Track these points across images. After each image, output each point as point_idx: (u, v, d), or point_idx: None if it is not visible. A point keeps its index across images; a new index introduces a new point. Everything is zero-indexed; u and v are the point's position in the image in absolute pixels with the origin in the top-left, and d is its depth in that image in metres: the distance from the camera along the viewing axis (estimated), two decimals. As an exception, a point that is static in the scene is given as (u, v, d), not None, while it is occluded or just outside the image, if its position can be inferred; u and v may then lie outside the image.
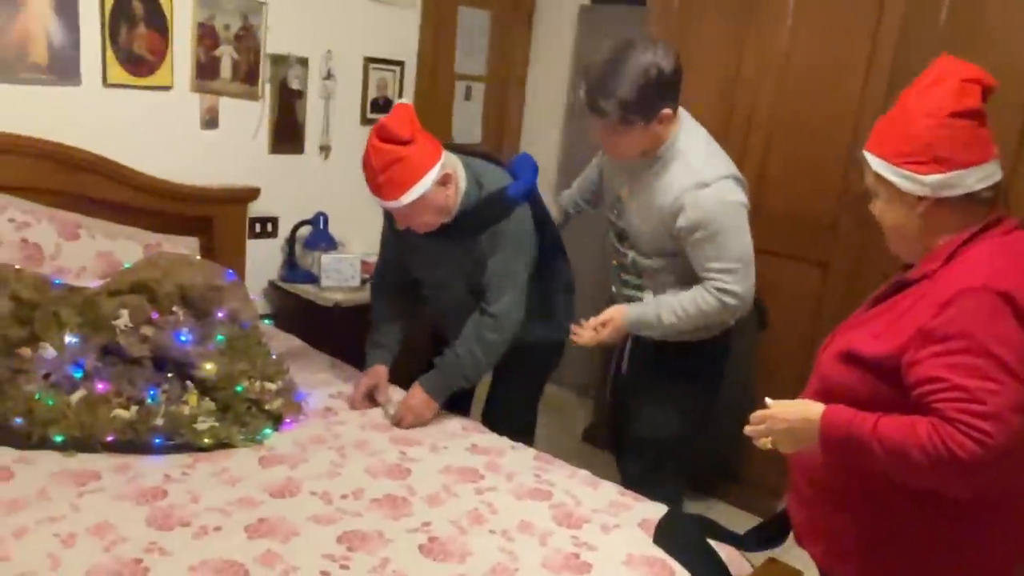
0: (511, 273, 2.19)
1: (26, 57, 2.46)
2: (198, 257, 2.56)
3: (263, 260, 3.23)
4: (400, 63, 3.53)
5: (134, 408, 2.01)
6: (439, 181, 2.04)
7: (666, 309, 2.10)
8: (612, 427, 2.53)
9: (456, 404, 2.43)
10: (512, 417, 2.43)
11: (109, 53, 2.62)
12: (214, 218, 2.96)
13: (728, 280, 2.03)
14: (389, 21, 3.43)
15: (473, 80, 4.02)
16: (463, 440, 2.15)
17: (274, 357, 2.41)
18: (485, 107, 4.13)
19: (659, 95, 1.94)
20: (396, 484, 1.88)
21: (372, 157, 1.99)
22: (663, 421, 2.30)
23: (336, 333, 3.05)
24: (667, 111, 1.98)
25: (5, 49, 2.42)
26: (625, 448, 2.45)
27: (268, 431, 2.07)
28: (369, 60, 3.40)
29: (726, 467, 3.18)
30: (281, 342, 2.73)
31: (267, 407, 2.11)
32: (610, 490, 1.97)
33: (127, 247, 2.61)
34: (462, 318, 2.28)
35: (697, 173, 2.01)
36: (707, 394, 2.36)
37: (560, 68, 4.07)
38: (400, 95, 3.57)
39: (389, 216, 2.26)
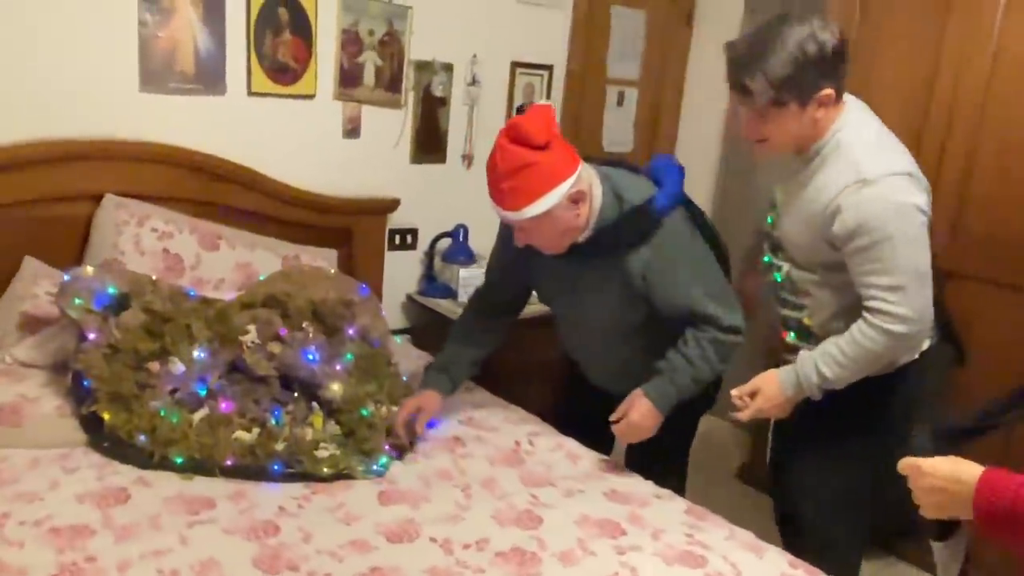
0: (699, 295, 1.87)
1: (174, 66, 2.46)
2: (333, 270, 2.46)
3: (402, 273, 3.12)
4: (548, 67, 3.34)
5: (256, 431, 1.91)
6: (571, 198, 1.78)
7: (825, 359, 1.75)
8: (773, 478, 2.20)
9: (595, 436, 2.20)
10: (661, 461, 2.12)
11: (254, 61, 2.58)
12: (353, 229, 2.88)
13: (892, 300, 1.67)
14: (537, 23, 3.25)
15: (626, 85, 3.77)
16: (601, 483, 1.91)
17: (404, 379, 2.27)
18: (638, 114, 3.88)
19: (817, 72, 1.65)
20: (525, 535, 1.66)
21: (498, 159, 1.75)
22: (829, 475, 1.96)
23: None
24: (827, 91, 1.67)
25: (154, 59, 2.43)
26: (788, 506, 2.10)
27: (386, 459, 1.91)
28: (516, 64, 3.23)
29: (910, 521, 2.75)
30: (413, 360, 2.60)
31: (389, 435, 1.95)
32: (778, 559, 1.66)
33: (265, 258, 2.56)
34: (605, 360, 2.05)
35: (860, 168, 1.68)
36: (884, 440, 1.94)
37: (722, 72, 3.74)
38: (548, 100, 3.38)
39: (506, 230, 2.02)
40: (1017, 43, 2.47)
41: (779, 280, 1.92)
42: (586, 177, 1.83)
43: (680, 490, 2.05)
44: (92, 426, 1.87)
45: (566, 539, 1.66)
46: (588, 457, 2.04)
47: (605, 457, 2.07)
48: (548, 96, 3.38)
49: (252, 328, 2.06)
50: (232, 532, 1.58)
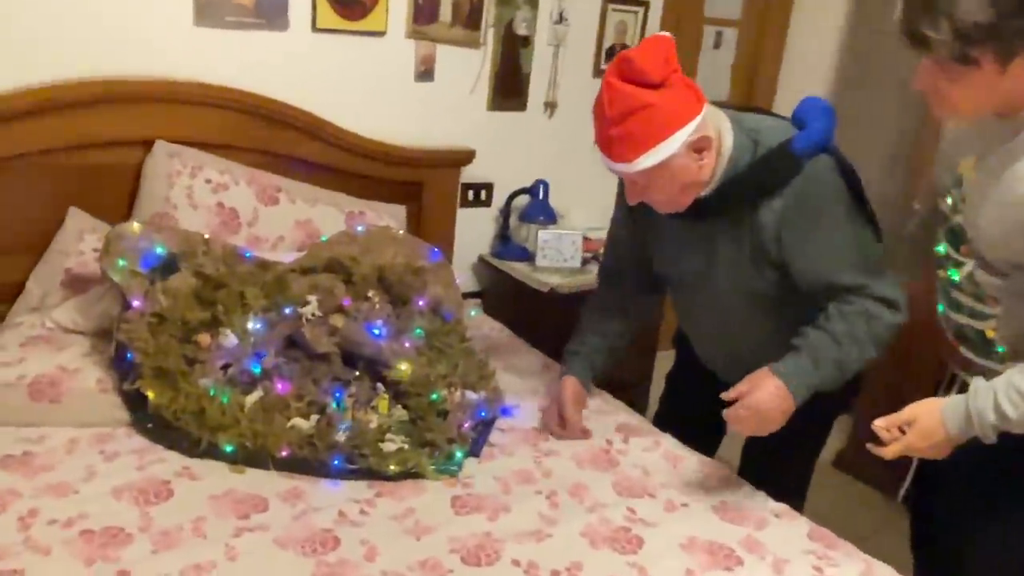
0: (846, 261, 1.54)
1: (231, -3, 2.20)
2: (401, 232, 2.21)
3: (475, 232, 2.86)
4: (644, 4, 2.99)
5: (314, 417, 1.69)
6: (693, 145, 1.48)
7: (1009, 394, 1.32)
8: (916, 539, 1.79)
9: (700, 431, 1.93)
10: (782, 474, 1.82)
11: (320, -8, 2.31)
12: (424, 183, 2.62)
13: None
14: (634, -47, 2.89)
15: (725, 25, 3.40)
16: (708, 495, 1.64)
17: (480, 357, 2.03)
18: (736, 58, 3.50)
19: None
20: (623, 561, 1.41)
21: (606, 100, 1.45)
22: (1016, 548, 1.50)
23: (551, 322, 2.62)
24: None
25: (210, -11, 2.17)
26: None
27: (460, 455, 1.67)
28: (609, 0, 2.88)
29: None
30: (486, 333, 2.35)
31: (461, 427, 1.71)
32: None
33: (328, 215, 2.32)
34: (728, 341, 1.75)
35: None
36: None
37: (833, 16, 3.33)
38: (642, 40, 3.03)
39: (623, 186, 1.73)
40: None
41: (956, 279, 1.50)
42: (712, 121, 1.51)
43: (800, 507, 1.77)
44: (135, 404, 1.68)
45: (671, 568, 1.40)
46: (690, 459, 1.77)
47: (711, 459, 1.80)
48: (642, 36, 3.03)
49: (313, 298, 1.83)
50: (285, 544, 1.36)
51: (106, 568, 1.26)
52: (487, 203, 2.87)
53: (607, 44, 2.94)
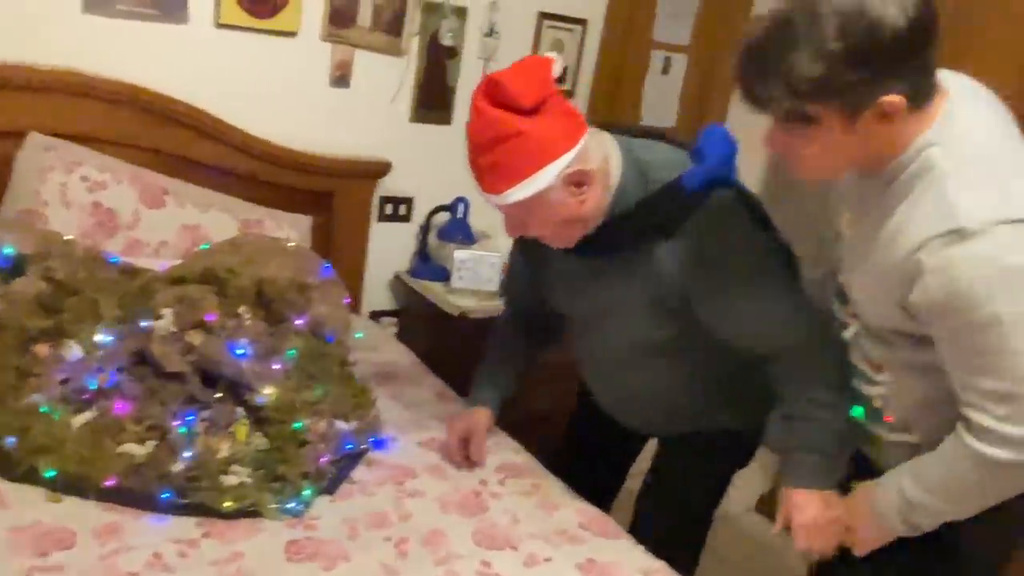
0: (767, 307, 1.40)
1: (125, -15, 2.06)
2: (292, 243, 2.07)
3: (392, 247, 2.72)
4: (582, 21, 2.88)
5: (151, 443, 1.54)
6: (569, 179, 1.34)
7: (911, 478, 1.26)
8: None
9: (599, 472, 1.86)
10: (676, 532, 1.72)
11: (224, -14, 2.18)
12: (335, 194, 2.48)
13: (999, 414, 1.13)
14: (574, -32, 2.79)
15: (674, 51, 3.29)
16: (577, 549, 1.51)
17: (360, 381, 1.89)
18: (685, 86, 3.39)
19: (871, 70, 1.07)
20: (460, 624, 1.27)
21: (473, 127, 1.34)
22: None
23: (461, 347, 2.49)
24: (893, 98, 1.08)
25: (101, -26, 2.03)
26: None
27: (309, 492, 1.52)
28: (544, 15, 2.77)
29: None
30: (386, 357, 2.21)
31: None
32: None
33: (220, 221, 2.18)
34: (625, 387, 1.63)
35: (956, 210, 1.09)
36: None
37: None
38: (580, 61, 2.93)
39: None
40: None
41: (847, 340, 1.38)
42: (598, 151, 1.38)
43: (696, 556, 1.69)
44: (-44, 419, 1.52)
45: (514, 634, 1.27)
46: (569, 507, 1.64)
47: (591, 507, 1.66)
48: (581, 55, 2.92)
49: (167, 312, 1.68)
50: (77, 590, 1.21)
51: None
52: (407, 218, 2.74)
53: (542, 61, 2.82)
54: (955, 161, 1.13)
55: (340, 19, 2.38)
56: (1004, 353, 1.10)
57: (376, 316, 2.74)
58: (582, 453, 1.92)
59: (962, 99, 1.18)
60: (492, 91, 1.31)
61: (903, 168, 1.17)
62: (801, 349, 1.40)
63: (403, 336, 2.69)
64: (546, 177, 1.33)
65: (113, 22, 2.07)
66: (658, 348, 1.52)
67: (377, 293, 2.75)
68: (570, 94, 2.93)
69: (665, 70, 3.33)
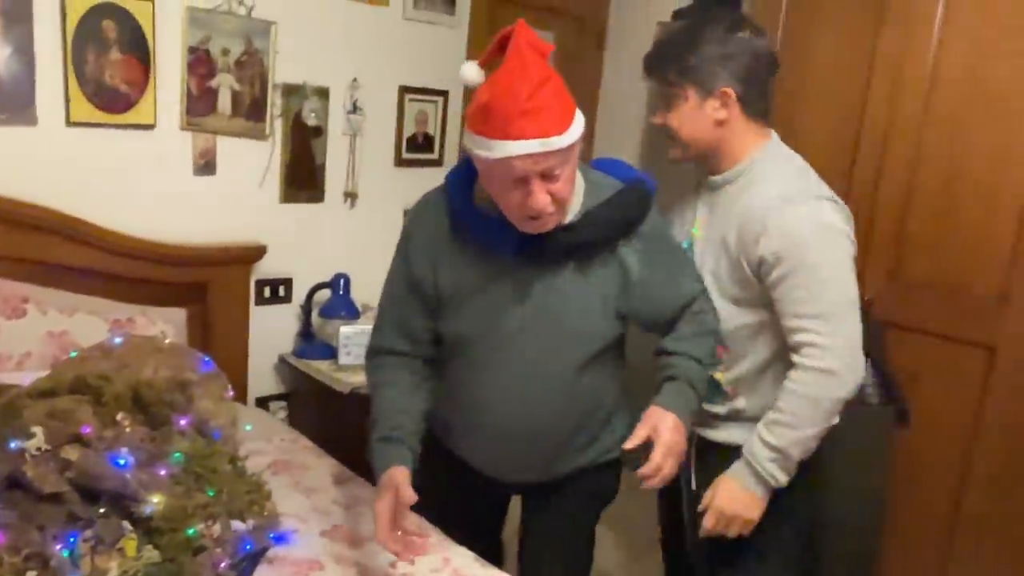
0: (681, 266, 1.64)
1: (-36, 91, 1.98)
2: (168, 340, 2.01)
3: (274, 330, 2.68)
4: (443, 93, 2.96)
5: (31, 574, 1.44)
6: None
7: (768, 427, 1.59)
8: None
9: (479, 532, 1.83)
10: (564, 562, 1.79)
11: (73, 85, 2.12)
12: (209, 283, 2.43)
13: (822, 332, 1.53)
14: (429, 43, 2.88)
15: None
16: (494, 619, 1.51)
17: (254, 475, 1.83)
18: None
19: (723, 65, 1.56)
20: None
21: (525, 66, 1.29)
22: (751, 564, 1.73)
23: (355, 424, 2.46)
24: (728, 89, 1.57)
25: (-63, 82, 1.94)
26: None
27: (217, 605, 1.47)
28: (406, 89, 2.84)
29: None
30: (277, 444, 2.16)
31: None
32: None
33: (88, 324, 2.09)
34: (533, 410, 1.57)
35: (785, 188, 1.56)
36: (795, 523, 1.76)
37: (638, 95, 3.45)
38: (443, 130, 3.00)
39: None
40: (957, 59, 2.21)
41: None
42: None
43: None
44: None
45: None
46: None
47: (503, 574, 1.67)
48: (444, 124, 3.00)
49: (38, 430, 1.59)
50: None
51: None
52: (287, 299, 2.71)
53: (408, 133, 2.88)
54: (780, 169, 1.62)
55: (198, 108, 2.36)
56: (822, 285, 1.52)
57: (263, 402, 2.68)
58: (455, 524, 1.80)
59: (777, 140, 1.68)
60: (529, 35, 1.33)
61: (741, 173, 1.63)
62: (703, 293, 1.64)
63: (293, 420, 2.64)
64: (581, 121, 1.38)
65: (-45, 129, 1.98)
66: (592, 350, 1.57)
67: (262, 378, 2.69)
68: (438, 162, 2.99)
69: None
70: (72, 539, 1.53)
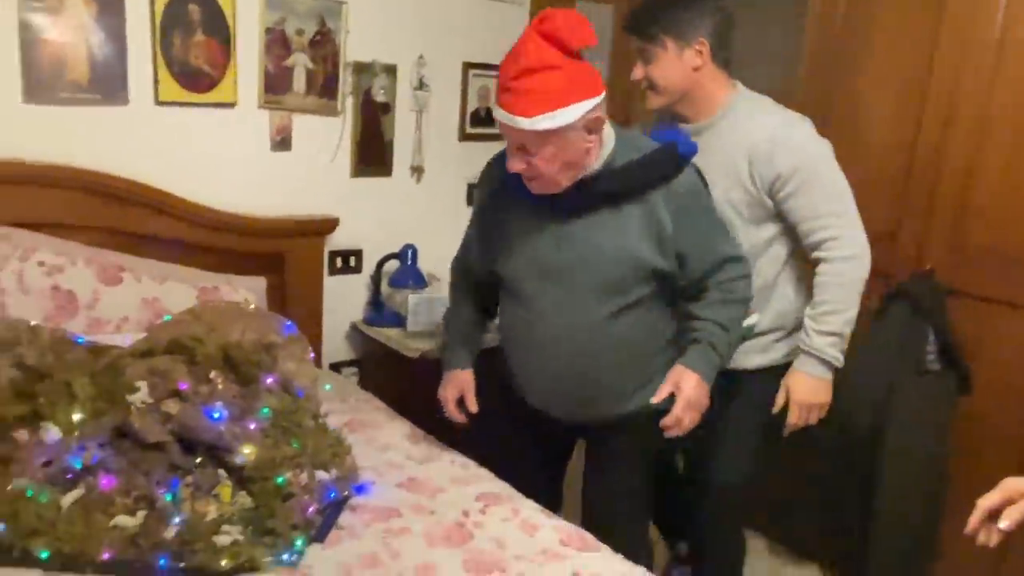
0: (715, 227, 1.77)
1: (64, 74, 2.12)
2: (252, 306, 2.13)
3: (345, 299, 2.80)
4: (505, 68, 3.02)
5: (141, 513, 1.58)
6: (588, 124, 1.54)
7: (816, 323, 1.87)
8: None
9: (542, 476, 2.02)
10: (619, 506, 1.93)
11: (161, 66, 2.25)
12: (286, 254, 2.56)
13: (839, 226, 1.84)
14: (493, 20, 2.94)
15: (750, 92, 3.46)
16: (562, 565, 1.60)
17: (334, 431, 1.96)
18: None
19: (699, 19, 1.82)
20: (462, 646, 1.35)
21: (522, 51, 1.49)
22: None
23: (424, 388, 2.58)
24: (703, 40, 1.82)
25: (41, 66, 2.09)
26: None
27: (301, 542, 1.59)
28: (469, 65, 2.92)
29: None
30: (352, 405, 2.28)
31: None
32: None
33: (178, 291, 2.23)
34: (577, 348, 1.73)
35: (780, 117, 1.87)
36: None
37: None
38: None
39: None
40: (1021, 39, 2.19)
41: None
42: (604, 110, 1.60)
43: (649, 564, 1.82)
44: (-59, 511, 1.54)
45: (514, 649, 1.35)
46: (548, 527, 1.73)
47: (569, 525, 1.76)
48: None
49: (143, 385, 1.73)
50: (88, 661, 1.25)
51: None
52: (357, 269, 2.82)
53: (472, 108, 2.96)
54: (764, 104, 1.91)
55: (275, 87, 2.48)
56: (832, 184, 1.84)
57: (336, 367, 2.81)
58: (520, 471, 1.98)
59: (749, 90, 1.94)
60: (545, 25, 1.48)
61: (725, 114, 1.88)
62: (737, 261, 1.76)
63: (364, 384, 2.76)
64: (573, 113, 1.51)
65: (55, 109, 2.13)
66: (623, 301, 1.69)
67: (335, 345, 2.82)
68: (500, 136, 3.06)
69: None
70: (174, 485, 1.67)
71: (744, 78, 1.98)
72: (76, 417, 1.67)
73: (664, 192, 1.65)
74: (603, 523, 1.84)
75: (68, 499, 1.57)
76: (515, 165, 1.60)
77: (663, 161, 1.66)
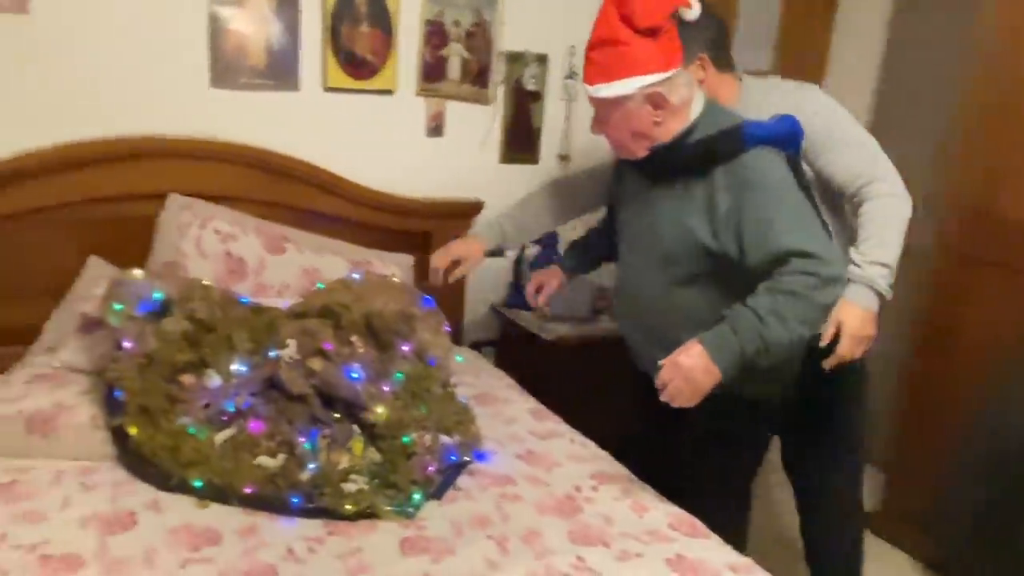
0: (782, 216, 1.58)
1: (245, 61, 2.36)
2: (398, 280, 2.28)
3: (489, 280, 2.91)
4: (658, 58, 3.02)
5: (281, 456, 1.75)
6: (649, 97, 1.64)
7: (874, 252, 1.83)
8: None
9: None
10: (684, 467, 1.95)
11: (329, 55, 2.44)
12: (433, 234, 2.69)
13: (879, 169, 1.86)
14: (647, 10, 2.93)
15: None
16: (666, 546, 1.61)
17: (463, 402, 2.06)
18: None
19: (692, 41, 1.76)
20: (556, 608, 1.40)
21: (597, 24, 1.64)
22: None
23: (559, 372, 2.64)
24: (702, 56, 1.87)
25: (225, 54, 2.33)
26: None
27: (419, 497, 1.69)
28: (621, 56, 2.93)
29: None
30: (484, 380, 2.38)
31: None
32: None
33: (333, 263, 2.41)
34: (658, 310, 1.81)
35: (792, 84, 1.96)
36: None
37: (867, 67, 3.29)
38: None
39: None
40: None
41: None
42: (684, 89, 1.67)
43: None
44: (120, 440, 1.78)
45: (606, 618, 1.38)
46: (659, 510, 1.74)
47: (680, 511, 1.76)
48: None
49: (292, 341, 1.90)
50: (226, 576, 1.41)
51: (52, 590, 1.34)
52: (500, 253, 2.91)
53: (622, 98, 2.97)
54: (769, 81, 2.01)
55: (432, 75, 2.62)
56: (860, 135, 1.89)
57: (477, 346, 2.92)
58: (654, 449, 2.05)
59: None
60: (622, 3, 1.57)
61: (743, 107, 1.84)
62: (803, 257, 1.55)
63: (501, 363, 2.85)
64: (628, 86, 1.62)
65: (237, 94, 2.37)
66: (683, 273, 1.74)
67: (476, 324, 2.94)
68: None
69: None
70: (313, 435, 1.83)
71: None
72: (234, 367, 1.87)
73: (724, 172, 1.64)
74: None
75: (220, 437, 1.76)
76: (593, 128, 1.77)
77: (723, 141, 1.66)
